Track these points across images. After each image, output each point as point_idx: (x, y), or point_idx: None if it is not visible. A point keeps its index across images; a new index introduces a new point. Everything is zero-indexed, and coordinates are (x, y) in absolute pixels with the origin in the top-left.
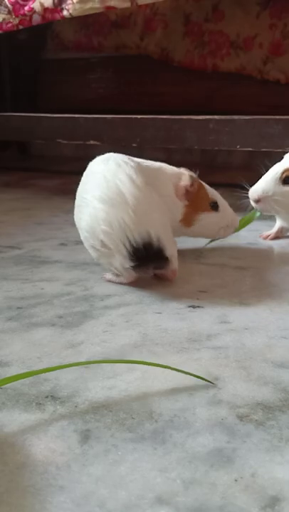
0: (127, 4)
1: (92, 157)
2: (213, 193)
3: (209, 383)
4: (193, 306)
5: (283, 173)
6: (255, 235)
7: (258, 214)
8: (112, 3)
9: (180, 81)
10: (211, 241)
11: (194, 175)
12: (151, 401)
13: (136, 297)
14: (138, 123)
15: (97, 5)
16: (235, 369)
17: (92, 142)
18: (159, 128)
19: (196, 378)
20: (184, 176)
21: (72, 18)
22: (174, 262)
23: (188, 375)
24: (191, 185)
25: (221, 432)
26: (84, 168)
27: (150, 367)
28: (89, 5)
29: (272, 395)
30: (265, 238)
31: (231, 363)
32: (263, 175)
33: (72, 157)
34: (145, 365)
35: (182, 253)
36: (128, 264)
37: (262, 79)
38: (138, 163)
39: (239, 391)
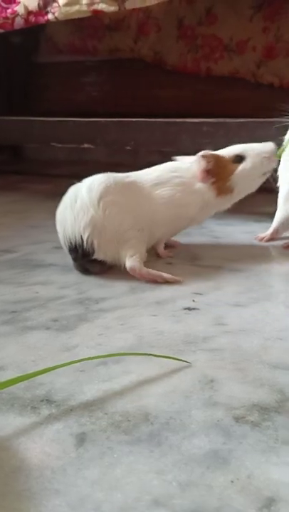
0: (115, 8)
1: (86, 161)
2: (230, 150)
3: (203, 383)
4: (189, 309)
5: None
6: (251, 237)
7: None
8: (99, 7)
9: (174, 84)
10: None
11: (206, 152)
12: (147, 403)
13: (131, 300)
14: (132, 126)
15: (84, 8)
16: (231, 371)
17: (85, 146)
18: (153, 131)
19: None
20: (196, 162)
21: (66, 22)
22: (131, 261)
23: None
24: (208, 163)
25: (216, 434)
26: (78, 172)
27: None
28: (75, 8)
29: (268, 396)
30: (261, 240)
31: (227, 364)
32: None
33: (66, 161)
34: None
35: (177, 255)
36: (71, 258)
37: (255, 82)
38: (136, 185)
39: (235, 393)
